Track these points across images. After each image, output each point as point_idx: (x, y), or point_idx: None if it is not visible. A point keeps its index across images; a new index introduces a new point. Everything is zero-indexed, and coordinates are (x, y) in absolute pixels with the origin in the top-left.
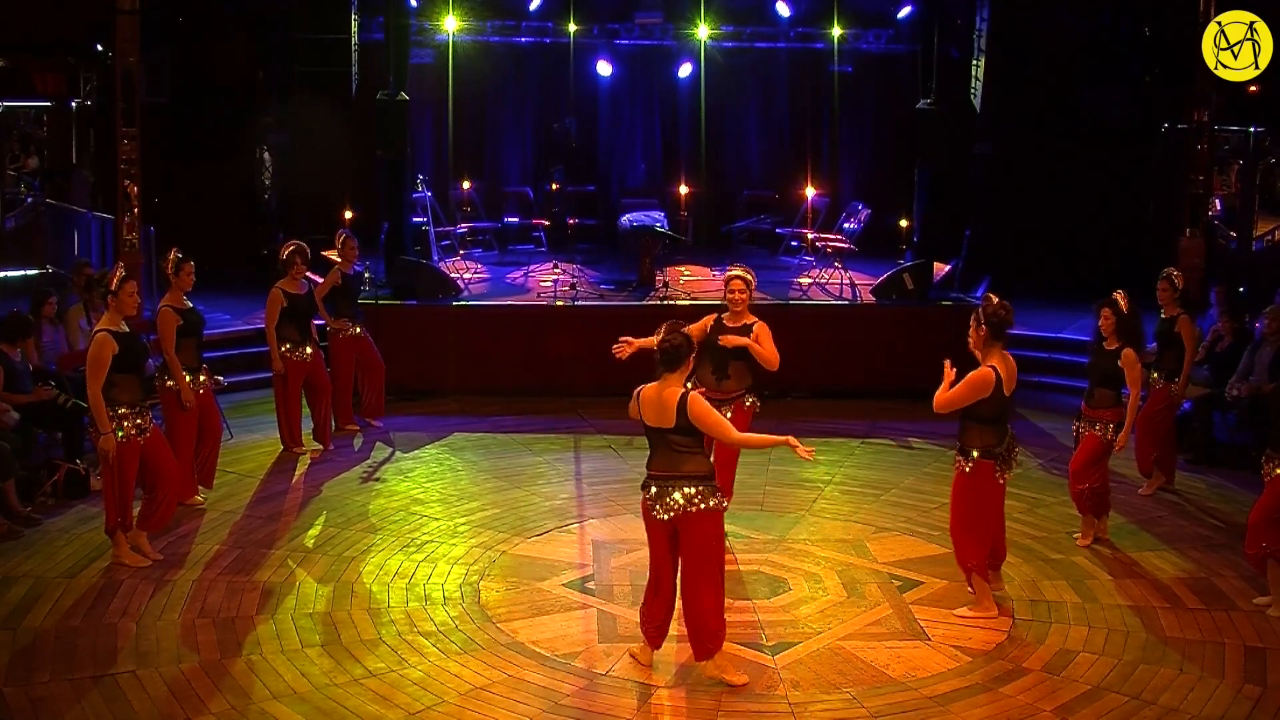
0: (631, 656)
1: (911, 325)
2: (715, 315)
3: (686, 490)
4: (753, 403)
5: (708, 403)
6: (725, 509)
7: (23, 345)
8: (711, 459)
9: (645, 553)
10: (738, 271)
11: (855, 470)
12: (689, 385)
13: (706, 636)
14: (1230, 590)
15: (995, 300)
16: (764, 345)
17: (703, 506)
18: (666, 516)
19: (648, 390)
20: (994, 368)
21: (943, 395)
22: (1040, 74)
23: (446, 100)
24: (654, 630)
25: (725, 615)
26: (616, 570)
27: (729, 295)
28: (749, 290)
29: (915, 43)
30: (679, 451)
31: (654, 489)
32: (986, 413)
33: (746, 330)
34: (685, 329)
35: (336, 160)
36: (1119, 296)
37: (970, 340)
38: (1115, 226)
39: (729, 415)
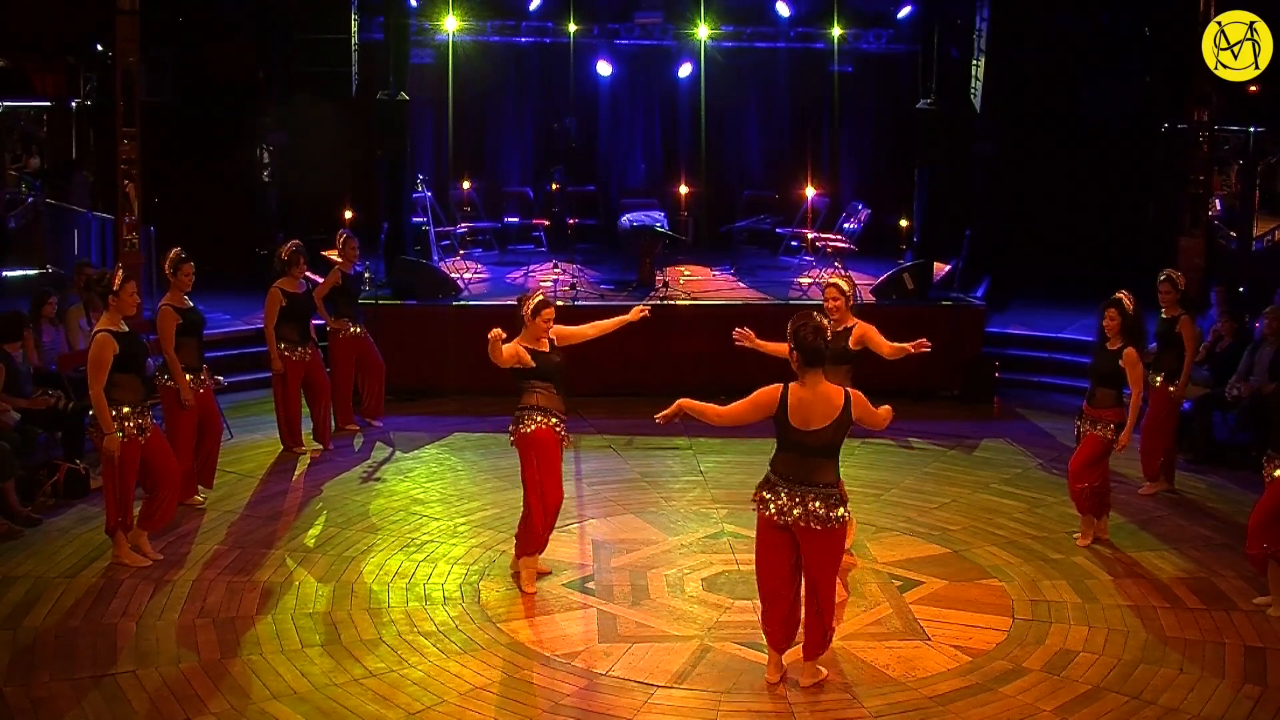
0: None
1: (911, 325)
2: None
3: (516, 412)
4: None
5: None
6: (528, 435)
7: (24, 345)
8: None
9: (645, 552)
10: (832, 279)
11: (855, 470)
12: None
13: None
14: (1230, 590)
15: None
16: (875, 342)
17: (516, 427)
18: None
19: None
20: (787, 386)
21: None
22: (1040, 74)
23: (446, 100)
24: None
25: (550, 536)
26: (616, 570)
27: (825, 304)
28: (844, 297)
29: (915, 43)
30: (522, 387)
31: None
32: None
33: (847, 334)
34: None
35: (336, 160)
36: (1124, 296)
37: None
38: (1115, 226)
39: None
